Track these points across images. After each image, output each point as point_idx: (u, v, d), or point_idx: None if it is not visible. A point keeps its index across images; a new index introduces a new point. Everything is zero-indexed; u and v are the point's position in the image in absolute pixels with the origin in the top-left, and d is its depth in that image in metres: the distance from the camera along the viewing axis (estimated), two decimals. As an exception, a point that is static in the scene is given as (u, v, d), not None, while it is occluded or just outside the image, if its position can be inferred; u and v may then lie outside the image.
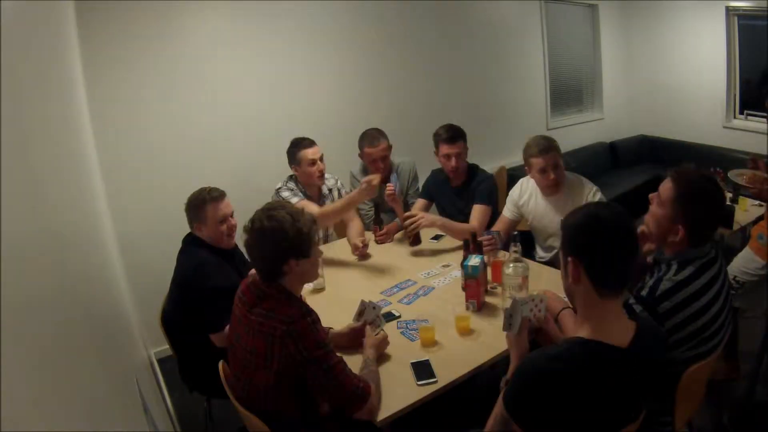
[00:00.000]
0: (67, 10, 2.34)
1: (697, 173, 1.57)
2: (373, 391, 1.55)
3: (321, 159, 2.81)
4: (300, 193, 2.81)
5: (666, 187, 1.57)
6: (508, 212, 2.75)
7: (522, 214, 2.73)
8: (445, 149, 2.81)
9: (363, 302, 1.91)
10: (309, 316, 1.52)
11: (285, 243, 1.52)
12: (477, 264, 2.01)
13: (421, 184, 3.21)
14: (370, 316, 1.89)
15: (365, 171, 3.14)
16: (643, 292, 1.54)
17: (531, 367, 1.22)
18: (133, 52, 2.98)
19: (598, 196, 2.50)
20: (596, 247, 1.20)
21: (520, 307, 1.51)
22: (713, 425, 2.27)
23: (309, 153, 2.76)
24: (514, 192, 2.75)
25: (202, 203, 2.18)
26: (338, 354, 1.57)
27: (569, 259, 1.23)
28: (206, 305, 2.04)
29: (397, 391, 1.64)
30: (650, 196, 1.65)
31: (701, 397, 1.75)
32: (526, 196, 2.70)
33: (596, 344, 1.19)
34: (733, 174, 2.76)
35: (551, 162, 2.46)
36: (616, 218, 1.21)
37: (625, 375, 1.20)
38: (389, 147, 3.04)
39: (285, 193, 2.79)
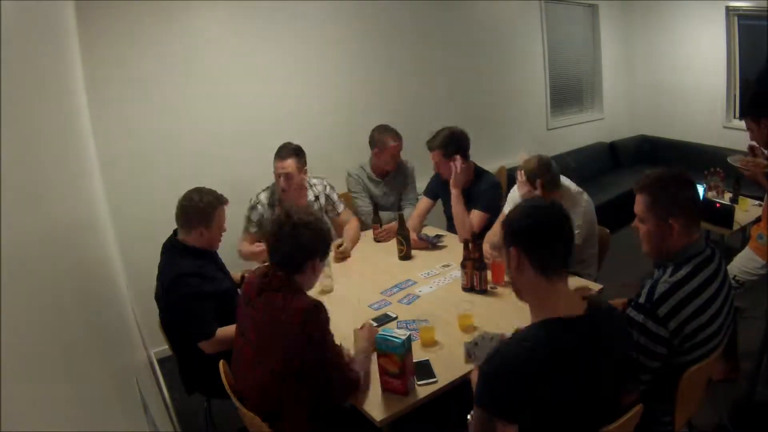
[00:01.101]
0: (67, 10, 2.34)
1: (653, 173, 1.61)
2: (360, 379, 1.64)
3: (290, 176, 2.68)
4: (268, 207, 2.79)
5: (637, 202, 1.62)
6: (507, 209, 2.73)
7: None
8: (440, 159, 2.82)
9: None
10: (319, 307, 1.56)
11: (320, 240, 1.64)
12: (407, 335, 1.60)
13: (420, 184, 3.22)
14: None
15: (362, 169, 3.16)
16: (641, 300, 1.54)
17: (498, 358, 1.24)
18: (133, 52, 2.98)
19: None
20: (533, 232, 1.30)
21: (488, 342, 1.68)
22: (713, 425, 2.27)
23: (277, 166, 2.72)
24: (515, 193, 2.73)
25: (212, 208, 2.13)
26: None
27: (510, 250, 1.31)
28: (190, 316, 2.02)
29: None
30: (632, 225, 1.66)
31: (701, 397, 1.75)
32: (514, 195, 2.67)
33: (553, 320, 1.24)
34: (731, 159, 2.77)
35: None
36: (549, 206, 1.35)
37: (587, 342, 1.25)
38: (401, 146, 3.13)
39: (261, 196, 2.82)
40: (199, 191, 2.16)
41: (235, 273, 2.41)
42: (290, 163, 2.70)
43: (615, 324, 1.38)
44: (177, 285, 2.02)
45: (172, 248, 2.17)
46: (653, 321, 1.49)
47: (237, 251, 2.76)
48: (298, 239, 1.59)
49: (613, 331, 1.35)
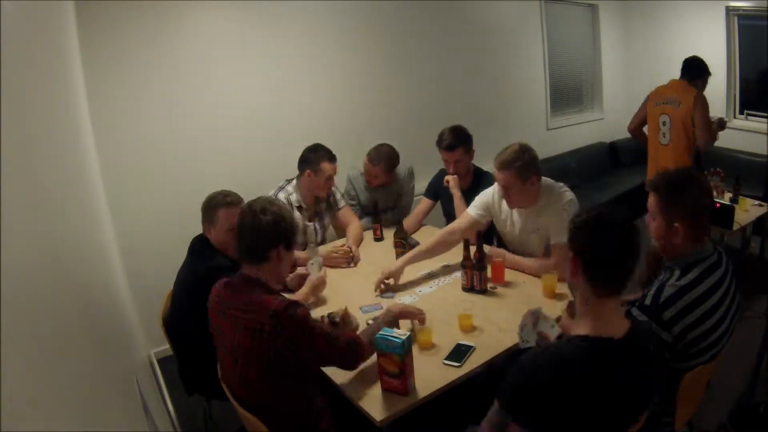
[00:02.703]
0: (67, 10, 2.34)
1: (671, 171, 1.60)
2: (364, 345, 1.65)
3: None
4: (295, 207, 2.78)
5: (650, 198, 1.60)
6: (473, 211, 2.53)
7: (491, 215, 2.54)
8: (443, 155, 2.83)
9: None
10: (292, 306, 1.52)
11: (281, 228, 1.62)
12: (407, 335, 1.59)
13: (422, 183, 3.21)
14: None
15: (362, 175, 3.17)
16: (647, 301, 1.53)
17: (530, 364, 1.22)
18: (134, 52, 2.98)
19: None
20: (593, 247, 1.24)
21: (541, 321, 1.62)
22: (713, 425, 2.27)
23: (330, 169, 2.73)
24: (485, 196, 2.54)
25: (216, 206, 2.15)
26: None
27: (570, 254, 1.27)
28: None
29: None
30: (646, 219, 1.65)
31: (701, 398, 1.75)
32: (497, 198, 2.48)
33: (594, 339, 1.21)
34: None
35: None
36: (617, 220, 1.24)
37: (623, 365, 1.21)
38: (384, 172, 3.04)
39: (282, 196, 2.78)
40: (220, 192, 2.21)
41: None
42: (337, 166, 2.76)
43: (650, 343, 1.34)
44: (215, 277, 1.93)
45: (202, 245, 2.19)
46: (658, 324, 1.49)
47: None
48: (259, 228, 1.60)
49: (647, 354, 1.29)
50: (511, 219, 2.47)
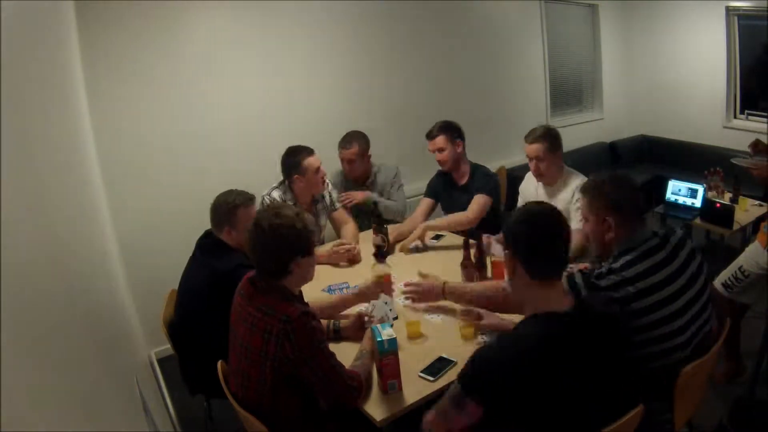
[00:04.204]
0: (67, 11, 2.34)
1: (595, 177, 1.76)
2: (362, 383, 1.60)
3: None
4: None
5: (582, 203, 1.73)
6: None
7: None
8: (428, 145, 2.89)
9: (372, 303, 1.97)
10: (306, 315, 1.52)
11: (294, 240, 1.57)
12: (392, 336, 1.61)
13: (421, 184, 3.21)
14: (380, 312, 1.92)
15: (340, 174, 3.18)
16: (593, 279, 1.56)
17: (491, 349, 1.31)
18: (134, 52, 2.98)
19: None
20: (528, 238, 1.34)
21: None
22: (713, 425, 2.27)
23: (314, 161, 2.73)
24: (528, 183, 2.86)
25: (235, 208, 2.14)
26: (344, 342, 1.70)
27: (506, 252, 1.38)
28: None
29: (397, 392, 1.64)
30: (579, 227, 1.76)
31: (701, 397, 1.75)
32: (525, 183, 2.86)
33: (542, 313, 1.30)
34: (736, 160, 2.76)
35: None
36: (544, 210, 1.40)
37: (573, 330, 1.29)
38: (361, 152, 3.04)
39: (275, 194, 2.77)
40: (229, 192, 2.20)
41: None
42: (318, 157, 2.78)
43: (608, 321, 1.42)
44: (238, 274, 1.90)
45: (215, 245, 2.16)
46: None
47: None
48: (271, 248, 1.56)
49: (604, 327, 1.38)
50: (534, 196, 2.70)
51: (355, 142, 3.04)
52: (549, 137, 2.58)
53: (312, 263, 1.67)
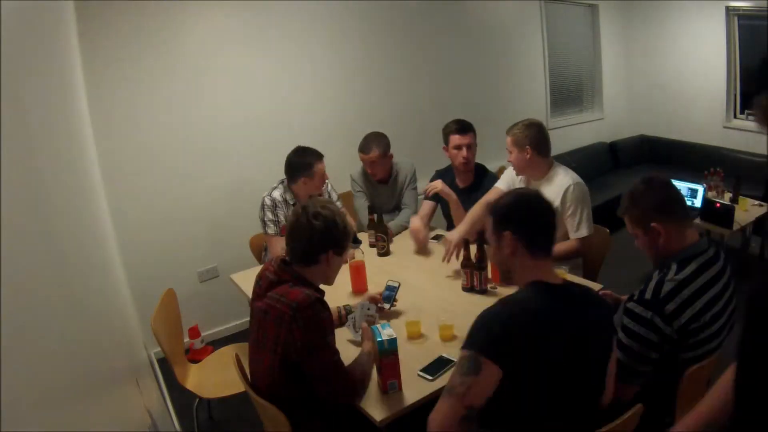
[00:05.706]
0: (67, 10, 2.34)
1: (626, 193, 1.69)
2: (359, 381, 1.63)
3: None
4: (284, 207, 2.77)
5: (626, 222, 1.68)
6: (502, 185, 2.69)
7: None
8: (456, 140, 2.79)
9: (350, 316, 1.98)
10: (317, 304, 1.54)
11: (334, 232, 1.62)
12: (392, 336, 1.61)
13: (421, 184, 3.20)
14: (360, 317, 1.93)
15: (364, 174, 3.16)
16: (647, 296, 1.54)
17: (492, 313, 1.33)
18: (134, 52, 2.98)
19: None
20: (528, 218, 1.41)
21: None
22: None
23: (323, 167, 2.75)
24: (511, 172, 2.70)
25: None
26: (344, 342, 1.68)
27: (504, 234, 1.40)
28: None
29: (397, 392, 1.64)
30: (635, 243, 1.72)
31: (702, 398, 1.74)
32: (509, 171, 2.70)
33: (539, 282, 1.37)
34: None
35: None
36: (536, 195, 1.48)
37: (567, 298, 1.36)
38: (381, 154, 3.01)
39: (277, 195, 2.77)
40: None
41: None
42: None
43: (592, 297, 1.47)
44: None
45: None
46: (661, 318, 1.51)
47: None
48: (312, 233, 1.60)
49: (590, 302, 1.44)
50: None
51: (374, 146, 3.00)
52: (515, 129, 2.46)
53: (339, 264, 1.70)
